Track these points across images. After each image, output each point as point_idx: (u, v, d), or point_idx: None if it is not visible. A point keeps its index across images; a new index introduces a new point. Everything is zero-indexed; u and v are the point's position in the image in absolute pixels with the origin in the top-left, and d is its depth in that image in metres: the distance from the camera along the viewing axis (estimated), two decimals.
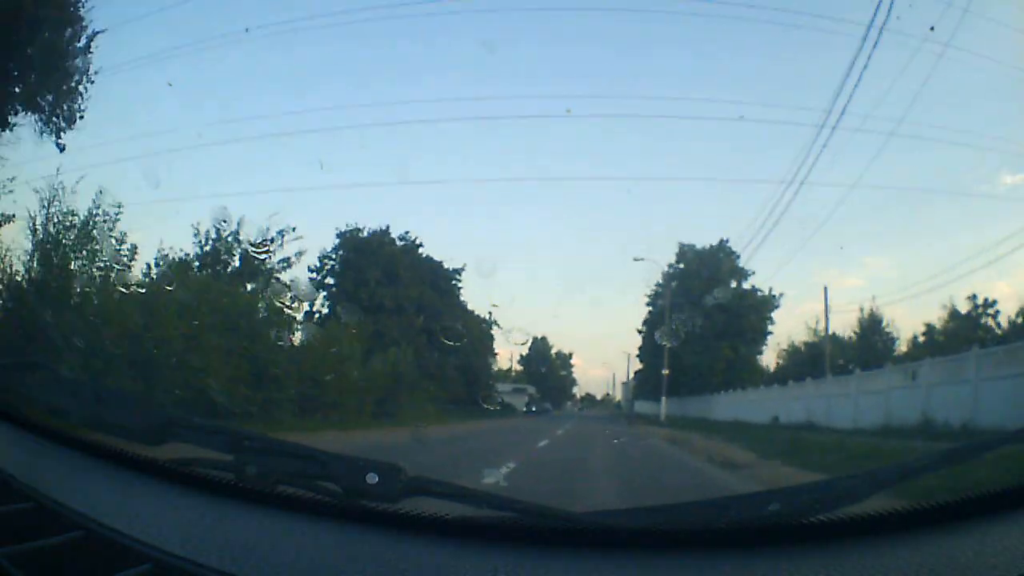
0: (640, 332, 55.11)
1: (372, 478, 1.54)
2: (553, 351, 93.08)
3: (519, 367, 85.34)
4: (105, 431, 1.87)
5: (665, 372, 41.25)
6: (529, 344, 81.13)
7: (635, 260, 53.56)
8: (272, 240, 25.22)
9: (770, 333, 51.18)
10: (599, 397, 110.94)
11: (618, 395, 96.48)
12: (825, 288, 39.69)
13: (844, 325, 47.87)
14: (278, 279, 24.59)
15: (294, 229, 25.48)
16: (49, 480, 1.61)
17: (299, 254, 25.47)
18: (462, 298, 46.22)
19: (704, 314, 44.86)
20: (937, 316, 39.55)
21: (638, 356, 56.37)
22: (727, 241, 52.06)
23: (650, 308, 53.39)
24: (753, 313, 49.48)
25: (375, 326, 34.05)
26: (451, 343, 41.99)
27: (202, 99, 52.86)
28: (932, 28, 19.68)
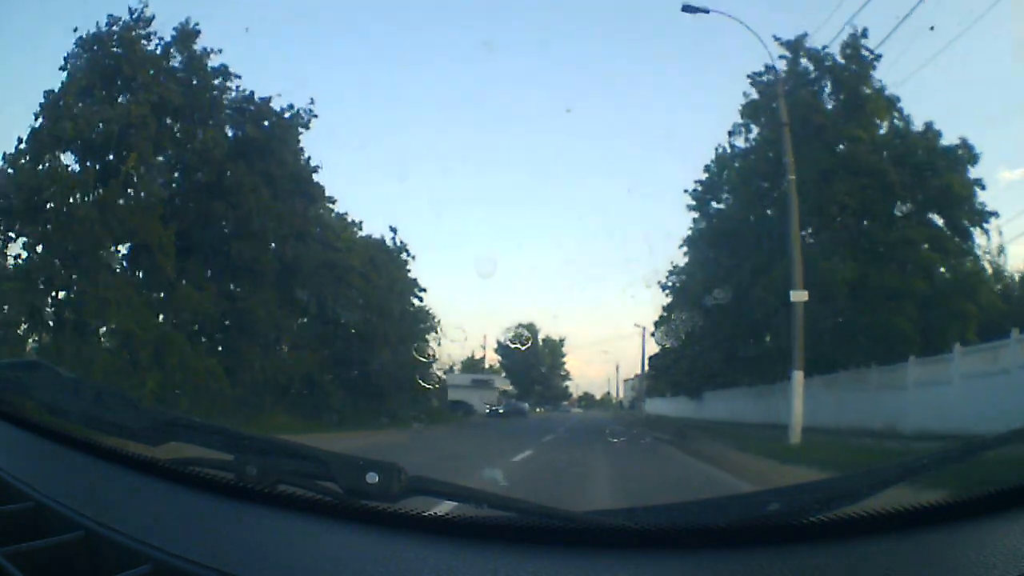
0: (664, 287, 31.87)
1: (372, 477, 1.55)
2: (541, 336, 77.85)
3: (496, 356, 70.67)
4: (105, 431, 1.87)
5: (800, 297, 16.63)
6: (513, 331, 63.77)
7: (685, 9, 18.55)
8: None
9: (994, 215, 22.64)
10: (598, 396, 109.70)
11: (621, 393, 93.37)
12: None
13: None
14: None
15: None
16: (49, 480, 1.61)
17: None
18: (325, 191, 24.07)
19: (843, 168, 21.35)
20: None
21: (653, 335, 37.45)
22: (864, 36, 23.27)
23: (695, 213, 28.66)
24: (954, 177, 21.98)
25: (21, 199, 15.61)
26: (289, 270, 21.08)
27: None
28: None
